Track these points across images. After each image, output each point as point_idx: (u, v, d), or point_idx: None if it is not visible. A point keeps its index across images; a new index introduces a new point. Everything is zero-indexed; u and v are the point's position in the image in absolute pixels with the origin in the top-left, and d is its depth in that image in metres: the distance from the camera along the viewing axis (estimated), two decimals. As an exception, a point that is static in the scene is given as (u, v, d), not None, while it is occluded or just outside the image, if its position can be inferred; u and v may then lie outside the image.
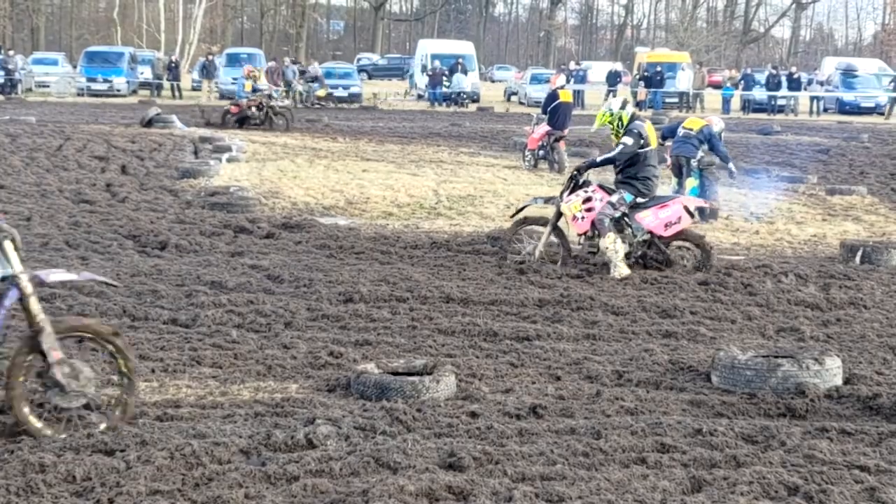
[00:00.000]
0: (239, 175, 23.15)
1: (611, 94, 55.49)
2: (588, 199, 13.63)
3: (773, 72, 55.69)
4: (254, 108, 35.37)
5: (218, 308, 11.10)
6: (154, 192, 19.84)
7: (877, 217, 19.62)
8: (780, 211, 19.80)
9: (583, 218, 13.65)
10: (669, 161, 18.85)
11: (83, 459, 6.61)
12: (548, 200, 14.40)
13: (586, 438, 7.34)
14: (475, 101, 55.76)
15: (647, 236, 13.67)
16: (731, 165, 18.71)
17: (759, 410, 8.22)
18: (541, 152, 26.08)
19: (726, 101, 53.02)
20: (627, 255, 13.51)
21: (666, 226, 13.50)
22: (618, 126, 13.75)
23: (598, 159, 14.46)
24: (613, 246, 13.31)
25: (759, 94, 54.60)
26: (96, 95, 53.35)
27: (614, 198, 13.53)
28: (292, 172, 23.77)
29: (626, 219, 13.60)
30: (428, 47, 65.15)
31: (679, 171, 18.52)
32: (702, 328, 10.89)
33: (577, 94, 50.82)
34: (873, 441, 7.48)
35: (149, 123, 33.72)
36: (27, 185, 19.93)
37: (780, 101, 53.85)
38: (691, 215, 13.82)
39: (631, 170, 13.64)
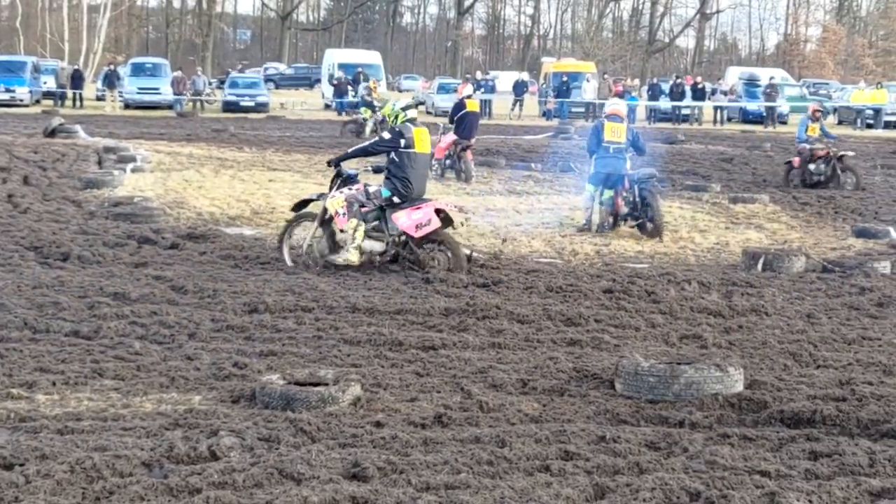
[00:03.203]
0: (143, 185, 22.93)
1: (517, 104, 55.88)
2: (367, 191, 14.22)
3: (678, 81, 56.31)
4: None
5: (121, 319, 10.98)
6: (57, 203, 19.59)
7: (778, 225, 19.89)
8: (684, 219, 20.01)
9: (344, 214, 14.05)
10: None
11: (-19, 474, 6.51)
12: (320, 196, 14.75)
13: (491, 447, 7.36)
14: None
15: (402, 237, 13.98)
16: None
17: (661, 417, 8.29)
18: (448, 161, 26.14)
19: (632, 111, 53.46)
20: (382, 254, 14.09)
21: (417, 227, 13.81)
22: (393, 122, 14.40)
23: (351, 150, 15.11)
24: (353, 231, 13.83)
25: (664, 103, 55.20)
26: (-2, 105, 52.61)
27: (371, 189, 14.16)
28: (197, 182, 23.60)
29: (383, 218, 14.04)
30: (335, 57, 65.21)
31: (612, 185, 18.20)
32: (606, 336, 10.95)
33: (485, 104, 51.03)
34: (774, 446, 7.57)
35: (52, 133, 33.34)
36: (-75, 197, 19.60)
37: (685, 111, 54.48)
38: (446, 220, 14.12)
39: (393, 168, 14.09)
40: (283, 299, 12.00)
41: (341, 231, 14.19)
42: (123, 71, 59.46)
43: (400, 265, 14.11)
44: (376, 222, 14.12)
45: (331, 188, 14.54)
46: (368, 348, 10.32)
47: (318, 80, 74.08)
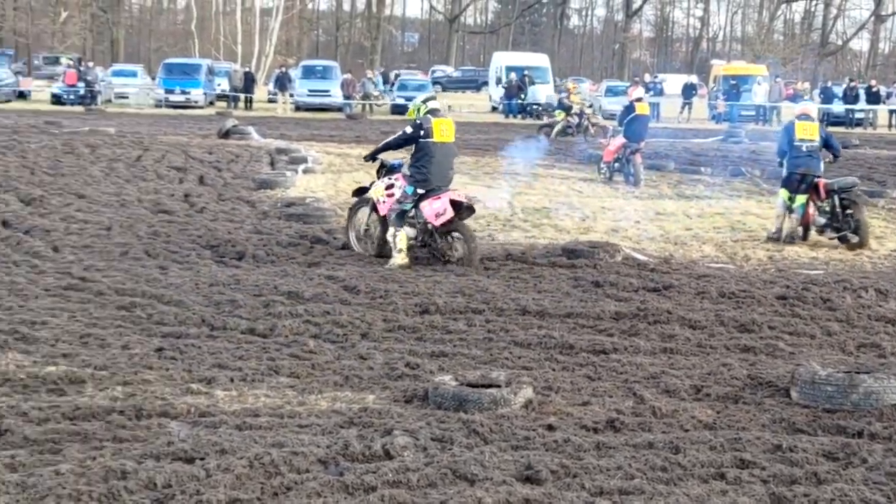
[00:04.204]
0: (315, 186, 23.29)
1: (686, 107, 55.27)
2: (391, 186, 14.88)
3: (852, 84, 55.12)
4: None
5: (295, 318, 11.17)
6: (231, 203, 20.01)
7: (958, 232, 19.33)
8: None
9: (384, 202, 14.87)
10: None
11: (164, 467, 6.67)
12: (372, 185, 15.44)
13: (664, 453, 7.30)
14: (550, 113, 55.62)
15: (428, 224, 14.66)
16: None
17: (839, 427, 8.12)
18: (616, 165, 25.98)
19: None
20: (414, 239, 14.76)
21: (436, 216, 14.43)
22: (416, 115, 15.04)
23: (380, 145, 15.58)
24: (393, 239, 14.46)
25: (837, 107, 54.07)
26: (174, 107, 53.80)
27: (398, 194, 14.70)
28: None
29: (415, 209, 14.65)
30: (503, 60, 65.05)
31: (805, 188, 17.60)
32: (781, 343, 10.77)
33: (653, 107, 50.60)
34: (957, 459, 7.36)
35: (226, 135, 34.01)
36: (107, 196, 20.18)
37: (859, 115, 53.28)
38: (459, 209, 14.52)
39: (413, 158, 14.78)
40: (453, 301, 12.07)
41: (374, 225, 15.12)
42: (294, 73, 60.36)
43: (428, 251, 14.85)
44: (411, 210, 14.71)
45: (378, 177, 15.31)
46: (539, 351, 10.32)
47: (485, 83, 74.24)
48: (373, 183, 15.36)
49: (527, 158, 29.24)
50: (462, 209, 14.56)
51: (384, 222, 14.88)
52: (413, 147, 14.79)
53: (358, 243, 15.34)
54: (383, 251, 14.87)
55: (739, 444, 7.50)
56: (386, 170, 15.30)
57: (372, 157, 15.57)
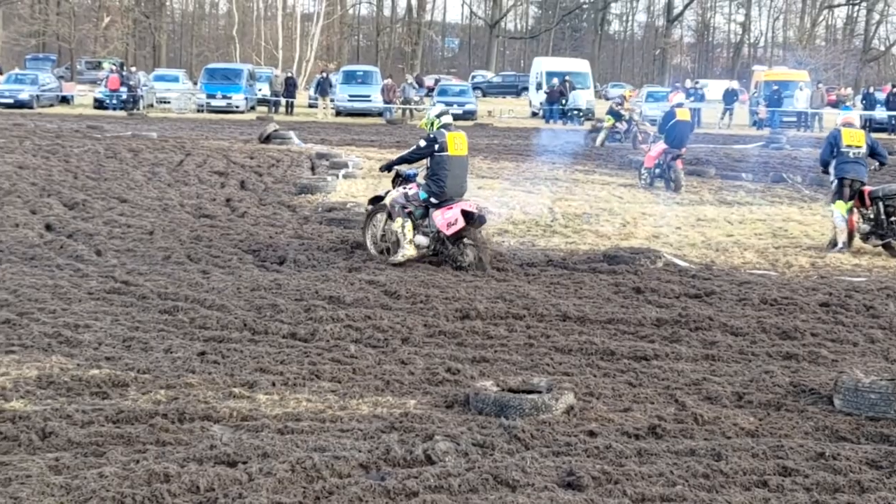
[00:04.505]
0: (355, 191, 23.35)
1: (727, 113, 55.02)
2: (406, 192, 15.27)
3: (895, 90, 54.70)
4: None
5: (336, 323, 11.20)
6: (272, 208, 20.09)
7: None
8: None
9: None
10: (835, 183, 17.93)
11: (206, 470, 6.71)
12: (387, 193, 15.82)
13: (706, 460, 7.28)
14: (589, 118, 55.54)
15: (440, 233, 15.00)
16: None
17: (882, 435, 8.07)
18: (657, 170, 25.90)
19: (846, 121, 52.12)
20: (427, 248, 15.14)
21: (448, 225, 14.79)
22: (430, 129, 15.29)
23: (395, 158, 16.02)
24: (401, 230, 14.92)
25: (880, 113, 53.69)
26: (215, 112, 54.06)
27: (411, 192, 15.22)
28: (407, 189, 23.86)
29: (427, 216, 15.09)
30: (543, 65, 64.97)
31: (852, 195, 17.44)
32: (823, 350, 10.71)
33: (694, 113, 50.42)
34: None
35: (267, 139, 34.16)
36: (149, 200, 20.32)
37: (901, 121, 52.91)
38: (471, 219, 14.76)
39: (430, 170, 15.08)
40: (494, 306, 12.07)
41: (390, 231, 15.32)
42: (335, 78, 60.52)
43: (440, 259, 15.06)
44: (423, 219, 15.17)
45: (394, 186, 15.65)
46: (580, 357, 10.31)
47: (525, 89, 74.23)
48: (388, 192, 15.70)
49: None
50: (473, 219, 14.82)
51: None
52: (428, 160, 15.12)
53: (374, 248, 15.60)
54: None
55: (782, 452, 7.46)
56: (401, 179, 15.69)
57: (388, 167, 16.00)
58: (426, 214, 15.12)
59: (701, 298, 13.03)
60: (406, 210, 15.04)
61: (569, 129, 49.24)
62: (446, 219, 14.77)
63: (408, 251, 14.85)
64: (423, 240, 15.10)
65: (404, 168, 15.77)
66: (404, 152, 15.73)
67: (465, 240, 14.93)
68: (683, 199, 23.96)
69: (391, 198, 15.30)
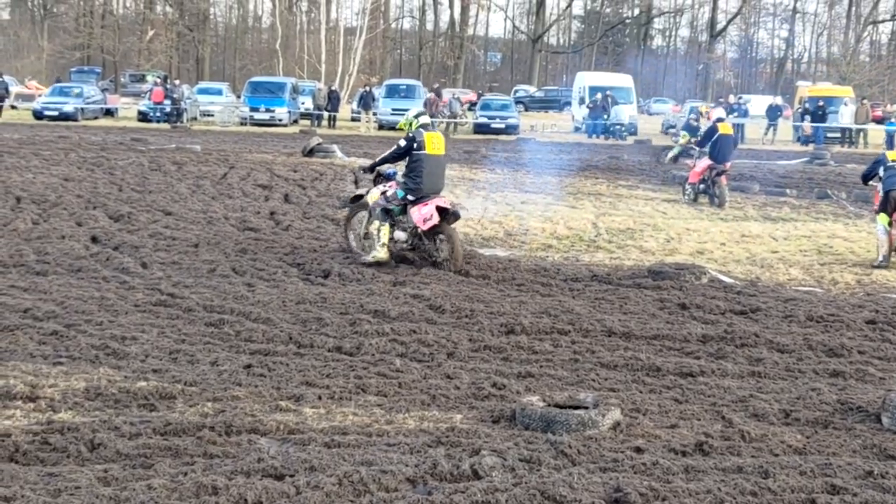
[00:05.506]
0: (399, 205, 23.36)
1: (770, 129, 54.73)
2: (384, 192, 15.96)
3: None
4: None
5: (381, 337, 11.22)
6: (316, 221, 20.15)
7: None
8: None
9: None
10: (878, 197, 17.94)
11: (254, 483, 6.72)
12: (368, 192, 16.56)
13: (754, 477, 7.23)
14: (632, 133, 55.43)
15: (416, 228, 15.66)
16: None
17: (932, 454, 8.01)
18: (701, 186, 25.81)
19: (890, 137, 51.86)
20: (405, 242, 15.85)
21: (424, 220, 15.43)
22: (408, 129, 16.01)
23: (377, 159, 16.51)
24: (377, 233, 15.62)
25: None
26: (258, 125, 54.24)
27: (389, 191, 15.89)
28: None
29: (404, 213, 15.71)
30: (586, 80, 64.82)
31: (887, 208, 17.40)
32: (871, 368, 10.65)
33: (738, 128, 50.23)
34: None
35: (310, 153, 34.27)
36: (194, 213, 20.42)
37: (947, 137, 52.52)
38: (445, 214, 15.48)
39: (407, 168, 15.74)
40: (539, 321, 12.06)
41: (367, 233, 16.16)
42: (378, 92, 60.66)
43: (416, 253, 15.89)
44: (402, 216, 15.77)
45: (374, 185, 16.42)
46: (626, 373, 10.28)
47: (568, 103, 74.07)
48: (369, 190, 16.46)
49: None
50: (448, 215, 15.49)
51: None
52: (407, 159, 15.74)
53: (357, 245, 16.32)
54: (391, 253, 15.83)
55: (830, 470, 7.41)
56: (382, 178, 16.37)
57: (370, 168, 16.62)
58: (405, 211, 15.69)
59: (746, 315, 12.98)
60: (386, 210, 15.66)
61: (611, 144, 49.20)
62: (422, 214, 15.39)
63: (379, 254, 15.45)
64: (401, 234, 15.78)
65: (385, 167, 16.33)
66: (386, 153, 16.23)
67: (441, 235, 15.57)
68: (727, 214, 23.88)
69: (372, 198, 15.97)
